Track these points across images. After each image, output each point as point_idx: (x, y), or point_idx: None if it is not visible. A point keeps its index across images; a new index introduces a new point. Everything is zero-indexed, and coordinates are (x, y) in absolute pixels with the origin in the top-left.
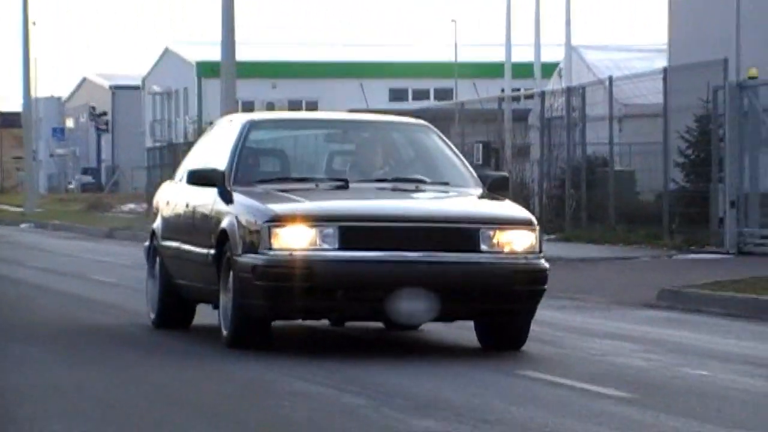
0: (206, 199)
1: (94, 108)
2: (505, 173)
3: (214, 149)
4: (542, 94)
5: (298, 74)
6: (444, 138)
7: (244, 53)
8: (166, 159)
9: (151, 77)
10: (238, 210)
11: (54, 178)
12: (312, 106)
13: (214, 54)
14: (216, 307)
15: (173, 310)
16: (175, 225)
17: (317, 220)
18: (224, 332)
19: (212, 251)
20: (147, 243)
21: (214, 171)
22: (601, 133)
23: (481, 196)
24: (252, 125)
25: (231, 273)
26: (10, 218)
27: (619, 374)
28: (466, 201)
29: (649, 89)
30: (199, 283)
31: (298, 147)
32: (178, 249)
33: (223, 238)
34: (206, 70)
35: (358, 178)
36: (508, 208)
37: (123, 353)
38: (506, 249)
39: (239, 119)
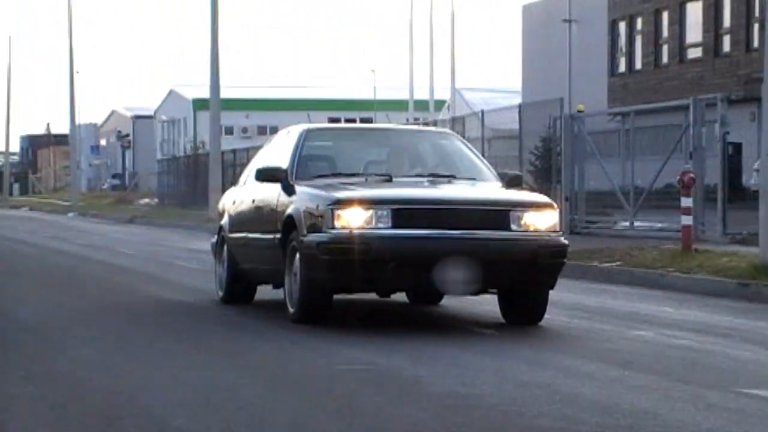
0: (271, 193)
1: (120, 132)
2: (519, 172)
3: (275, 154)
4: (435, 123)
5: (264, 107)
6: (466, 143)
7: (225, 93)
8: (172, 167)
9: (161, 110)
10: (302, 198)
11: (91, 181)
12: (274, 129)
13: (205, 93)
14: (276, 287)
15: (238, 289)
16: (242, 219)
17: (372, 203)
18: (290, 309)
19: (278, 236)
20: (214, 239)
21: (278, 168)
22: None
23: (505, 188)
24: (308, 133)
25: (297, 254)
26: (61, 209)
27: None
28: (495, 190)
29: (509, 119)
30: (264, 266)
31: (346, 150)
32: (244, 238)
33: (289, 224)
34: (199, 105)
35: (399, 173)
36: (531, 194)
37: (195, 327)
38: (531, 228)
39: (296, 129)
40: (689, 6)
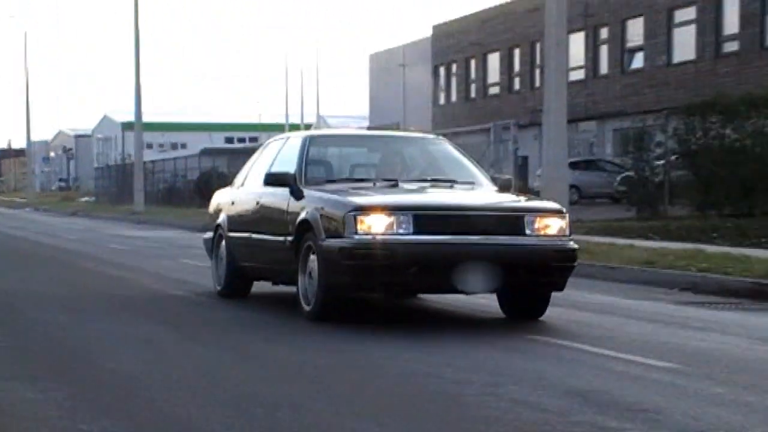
0: (279, 197)
1: (65, 147)
2: (510, 177)
3: (276, 160)
4: None
5: (175, 129)
6: (458, 147)
7: (147, 117)
8: (105, 173)
9: (97, 129)
10: (316, 203)
11: (43, 184)
12: (183, 145)
13: (131, 117)
14: (275, 283)
15: (237, 284)
16: (244, 219)
17: (394, 209)
18: (305, 307)
19: (289, 238)
20: (208, 235)
21: (287, 173)
22: None
23: (504, 193)
24: (311, 139)
25: (312, 256)
26: (20, 205)
27: None
28: (505, 196)
29: None
30: (269, 264)
31: (348, 156)
32: (248, 238)
33: (303, 228)
34: (127, 126)
35: (402, 179)
36: (542, 201)
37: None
38: (544, 233)
39: (297, 136)
40: (490, 56)
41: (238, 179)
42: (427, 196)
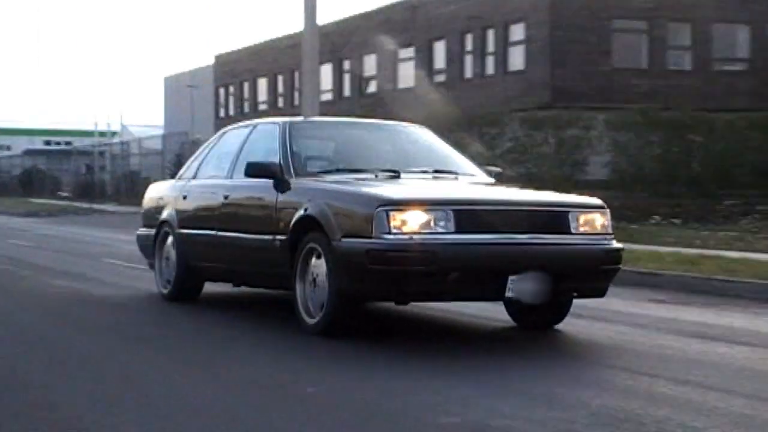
0: (258, 189)
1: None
2: (500, 169)
3: (246, 150)
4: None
5: (2, 133)
6: (436, 136)
7: None
8: None
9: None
10: (322, 197)
11: None
12: (8, 149)
13: None
14: (237, 285)
15: (188, 287)
16: (203, 215)
17: (433, 204)
18: (307, 320)
19: (279, 237)
20: (144, 231)
21: (271, 163)
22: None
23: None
24: (291, 126)
25: (317, 260)
26: None
27: None
28: (537, 191)
29: (157, 143)
30: (244, 266)
31: (335, 145)
32: (208, 235)
33: (304, 225)
34: None
35: (402, 169)
36: (581, 197)
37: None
38: (589, 231)
39: (269, 122)
40: (259, 80)
41: (187, 172)
42: (470, 191)
